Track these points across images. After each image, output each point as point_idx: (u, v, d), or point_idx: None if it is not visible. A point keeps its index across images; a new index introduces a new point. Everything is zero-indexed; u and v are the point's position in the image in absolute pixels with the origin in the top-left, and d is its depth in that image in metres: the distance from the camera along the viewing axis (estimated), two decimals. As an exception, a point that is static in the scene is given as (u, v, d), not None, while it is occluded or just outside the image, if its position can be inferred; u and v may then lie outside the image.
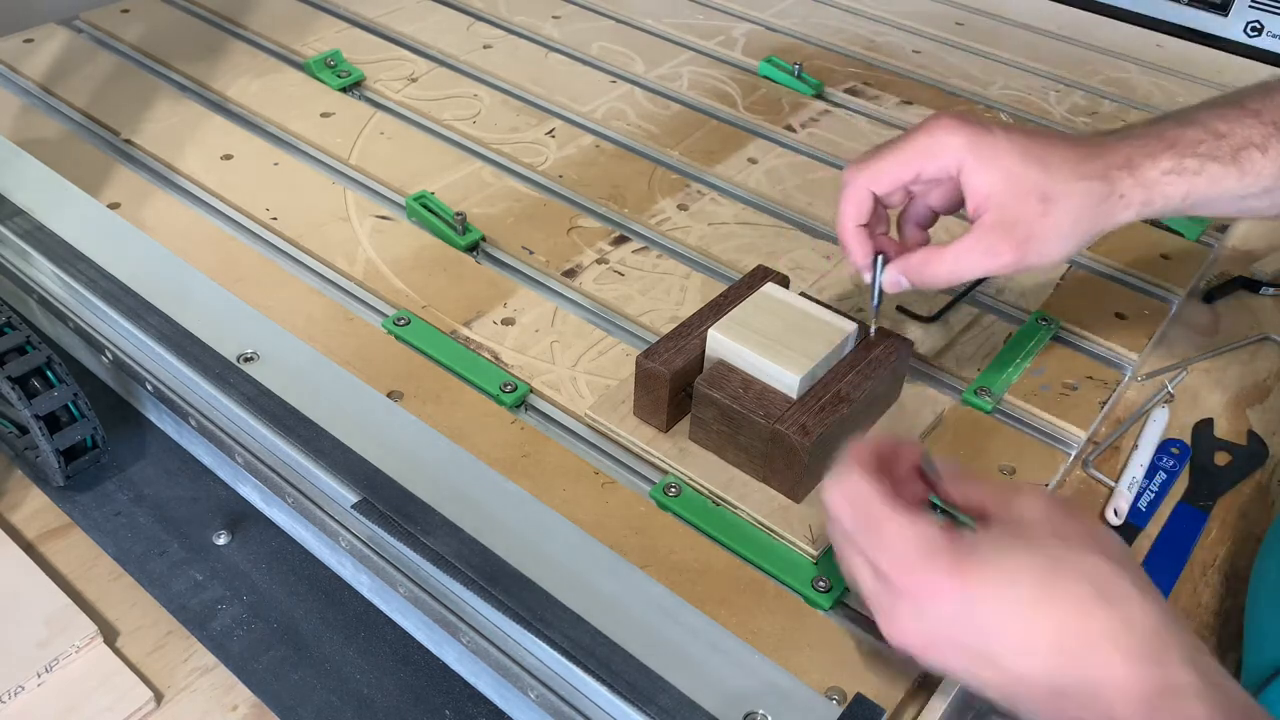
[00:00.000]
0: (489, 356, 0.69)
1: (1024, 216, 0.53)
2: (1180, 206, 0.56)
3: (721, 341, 0.61)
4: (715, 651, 0.49)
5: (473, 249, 0.79)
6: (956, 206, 0.58)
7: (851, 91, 1.01)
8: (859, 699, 0.49)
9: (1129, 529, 0.63)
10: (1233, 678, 0.39)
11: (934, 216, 0.60)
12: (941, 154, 0.54)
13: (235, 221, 0.81)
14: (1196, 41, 1.16)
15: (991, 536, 0.43)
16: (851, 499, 0.45)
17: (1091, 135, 0.57)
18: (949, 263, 0.55)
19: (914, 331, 0.72)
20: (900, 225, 0.61)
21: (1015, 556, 0.41)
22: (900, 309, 0.74)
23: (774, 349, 0.60)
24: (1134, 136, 0.56)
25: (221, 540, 0.60)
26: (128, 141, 0.88)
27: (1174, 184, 0.55)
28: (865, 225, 0.58)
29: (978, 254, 0.55)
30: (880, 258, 0.58)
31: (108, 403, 0.68)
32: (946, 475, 0.47)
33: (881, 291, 0.59)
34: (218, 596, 0.57)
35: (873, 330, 0.62)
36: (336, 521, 0.56)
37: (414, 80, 0.98)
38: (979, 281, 0.77)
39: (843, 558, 0.46)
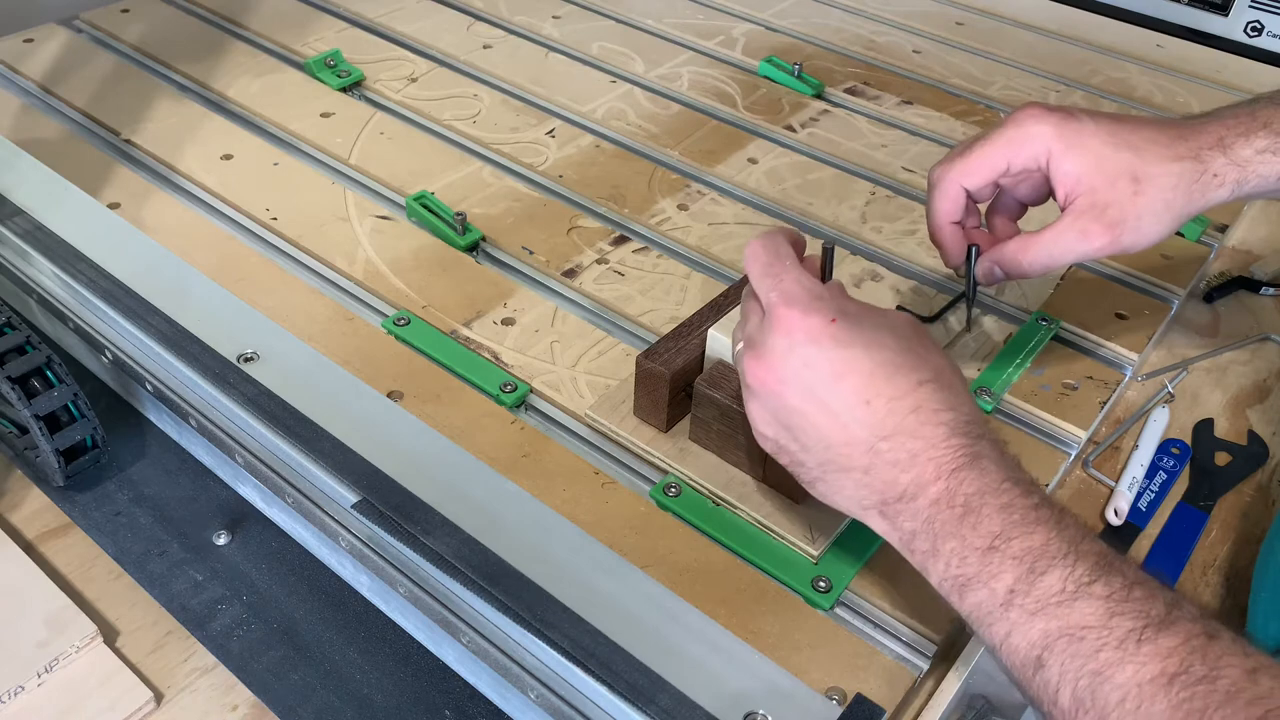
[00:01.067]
0: (489, 356, 0.69)
1: (1116, 199, 0.53)
2: (1275, 186, 0.55)
3: (722, 341, 0.61)
4: (715, 651, 0.49)
5: (473, 249, 0.79)
6: (1045, 197, 0.58)
7: (851, 91, 1.01)
8: (859, 699, 0.49)
9: (1129, 529, 0.63)
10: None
11: (1023, 209, 0.60)
12: (1029, 143, 0.54)
13: (235, 221, 0.81)
14: (1196, 41, 1.16)
15: (873, 312, 0.49)
16: (769, 247, 0.50)
17: (1180, 118, 0.57)
18: (1044, 248, 0.55)
19: (914, 331, 0.72)
20: (989, 219, 0.61)
21: (880, 330, 0.47)
22: (900, 309, 0.74)
23: (774, 349, 0.60)
24: (1226, 117, 0.55)
25: (221, 540, 0.60)
26: (128, 141, 0.88)
27: (1269, 163, 0.54)
28: (957, 222, 0.58)
29: (1071, 238, 0.54)
30: (974, 249, 0.58)
31: (108, 403, 0.68)
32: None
33: (976, 285, 0.58)
34: (218, 596, 0.57)
35: (970, 326, 0.61)
36: (336, 521, 0.56)
37: (414, 80, 0.98)
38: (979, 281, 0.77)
39: (744, 307, 0.51)
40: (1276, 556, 0.54)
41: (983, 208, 0.62)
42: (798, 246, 0.52)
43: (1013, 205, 0.59)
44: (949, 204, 0.57)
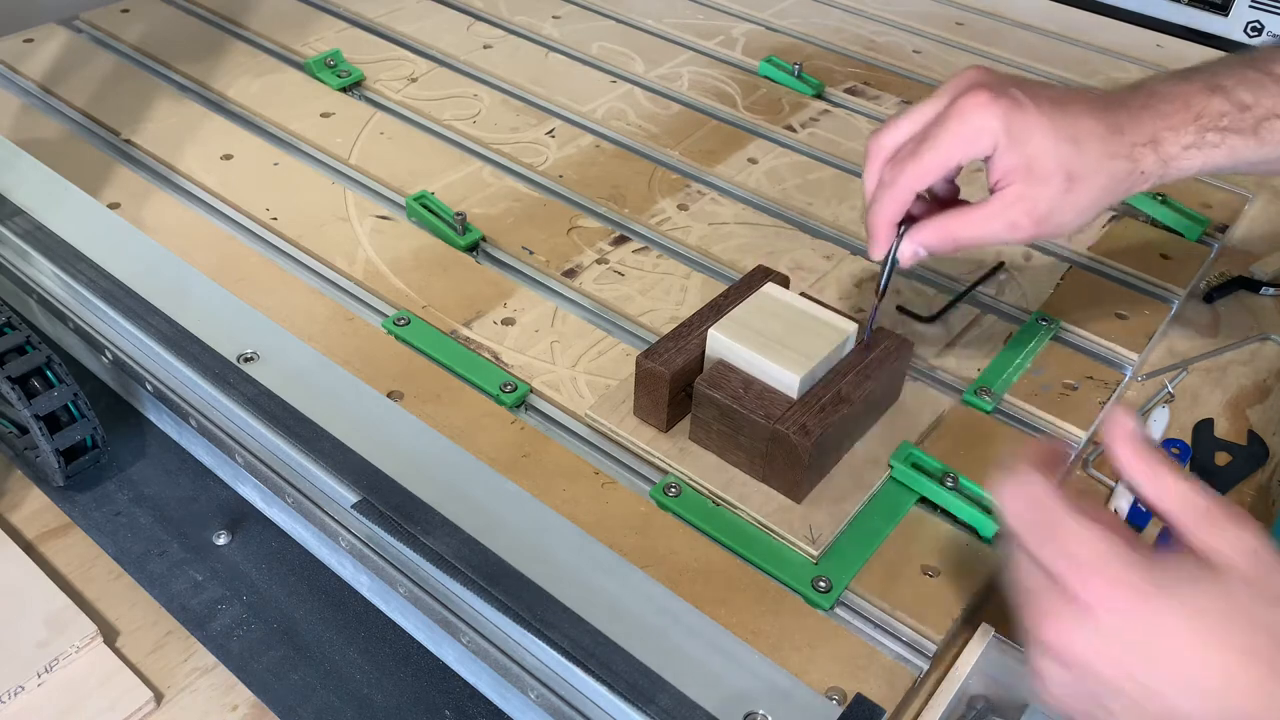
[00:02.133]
0: (489, 356, 0.69)
1: (1047, 196, 0.54)
2: (1194, 175, 0.57)
3: (721, 341, 0.61)
4: (715, 651, 0.49)
5: (473, 249, 0.79)
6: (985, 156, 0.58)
7: (851, 91, 1.01)
8: (859, 699, 0.49)
9: (1129, 529, 0.63)
10: None
11: (959, 169, 0.60)
12: (979, 139, 0.54)
13: (235, 221, 0.81)
14: (1196, 41, 1.16)
15: (1187, 564, 0.39)
16: (1028, 498, 0.42)
17: (1120, 94, 0.57)
18: (973, 230, 0.56)
19: (914, 331, 0.72)
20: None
21: (1207, 590, 0.38)
22: (900, 309, 0.74)
23: (774, 349, 0.60)
24: (1161, 101, 0.56)
25: (221, 540, 0.60)
26: (128, 141, 0.88)
27: (1193, 158, 0.55)
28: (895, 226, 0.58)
29: (999, 226, 0.55)
30: (901, 228, 0.58)
31: (108, 403, 0.68)
32: (1141, 467, 0.43)
33: (895, 264, 0.58)
34: (218, 596, 0.57)
35: (882, 298, 0.61)
36: (336, 521, 0.56)
37: (414, 80, 0.98)
38: (979, 281, 0.77)
39: (1012, 561, 0.43)
40: None
41: None
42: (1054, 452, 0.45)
43: (953, 169, 0.59)
44: (897, 207, 0.57)
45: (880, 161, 0.58)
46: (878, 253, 0.58)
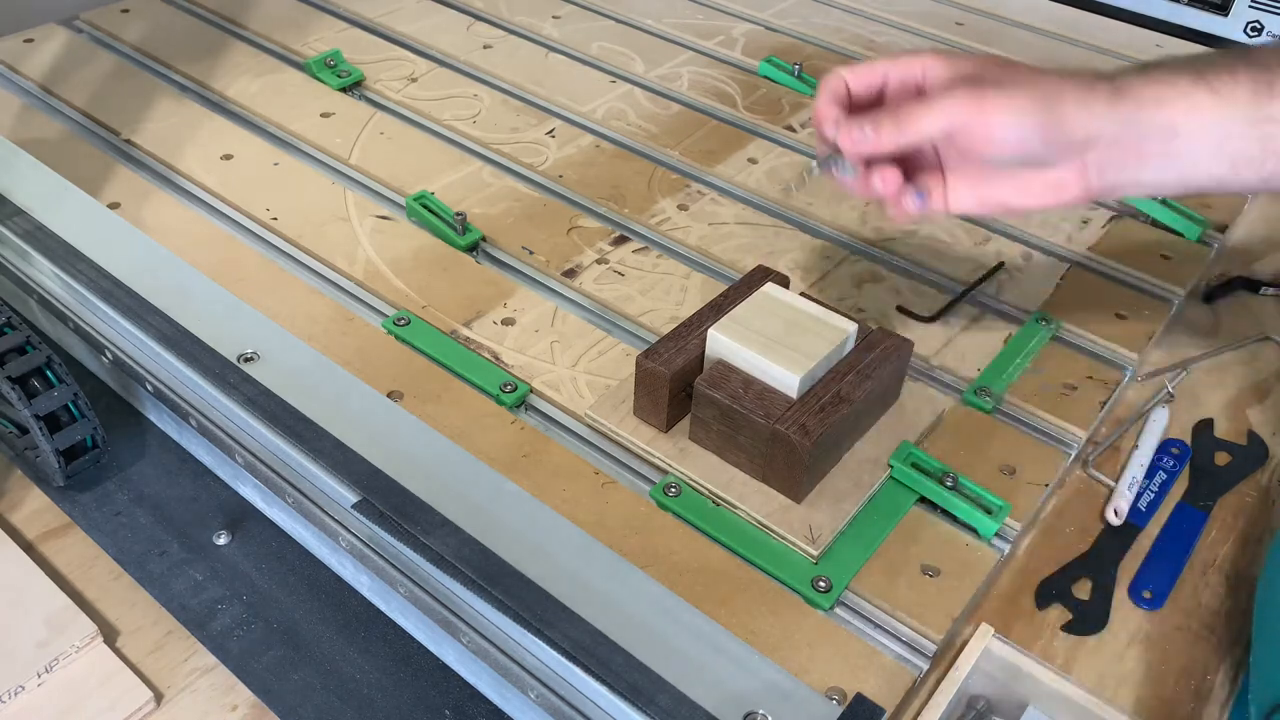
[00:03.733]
0: (489, 356, 0.69)
1: (985, 73, 0.55)
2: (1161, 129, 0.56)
3: (721, 341, 0.61)
4: (715, 651, 0.49)
5: (473, 249, 0.79)
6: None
7: (851, 91, 1.01)
8: (859, 699, 0.49)
9: (1129, 529, 0.63)
10: None
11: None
12: (907, 55, 0.57)
13: (235, 221, 0.81)
14: (1196, 41, 1.16)
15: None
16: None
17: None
18: (914, 103, 0.56)
19: (914, 331, 0.72)
20: None
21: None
22: (900, 309, 0.74)
23: (774, 349, 0.60)
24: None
25: (221, 540, 0.60)
26: (128, 141, 0.88)
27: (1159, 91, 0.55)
28: (839, 106, 0.59)
29: (938, 95, 0.55)
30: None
31: (108, 403, 0.68)
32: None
33: (828, 162, 0.58)
34: (218, 596, 0.57)
35: (796, 187, 0.61)
36: (336, 521, 0.56)
37: (414, 80, 0.98)
38: (979, 281, 0.77)
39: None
40: (1274, 609, 0.54)
41: None
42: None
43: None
44: (826, 87, 0.59)
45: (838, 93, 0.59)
46: (821, 130, 0.59)
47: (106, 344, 0.65)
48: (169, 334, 0.64)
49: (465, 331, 0.70)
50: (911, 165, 0.59)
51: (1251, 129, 0.54)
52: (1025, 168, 0.56)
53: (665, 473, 0.62)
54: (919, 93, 0.57)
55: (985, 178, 0.58)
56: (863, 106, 0.59)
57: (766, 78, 1.02)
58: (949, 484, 0.60)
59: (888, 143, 0.56)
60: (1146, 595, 0.60)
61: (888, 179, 0.58)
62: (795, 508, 0.59)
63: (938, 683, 0.53)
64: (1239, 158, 0.55)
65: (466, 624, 0.51)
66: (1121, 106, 0.54)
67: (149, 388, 0.64)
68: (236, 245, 0.77)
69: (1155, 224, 0.85)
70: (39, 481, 0.63)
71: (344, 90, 0.96)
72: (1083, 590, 0.60)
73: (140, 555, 0.59)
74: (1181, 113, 0.54)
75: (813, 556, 0.57)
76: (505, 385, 0.66)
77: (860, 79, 0.59)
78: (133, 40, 1.01)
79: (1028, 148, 0.55)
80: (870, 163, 0.58)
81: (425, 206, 0.81)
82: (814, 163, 0.61)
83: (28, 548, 0.59)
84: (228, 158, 0.86)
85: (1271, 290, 0.82)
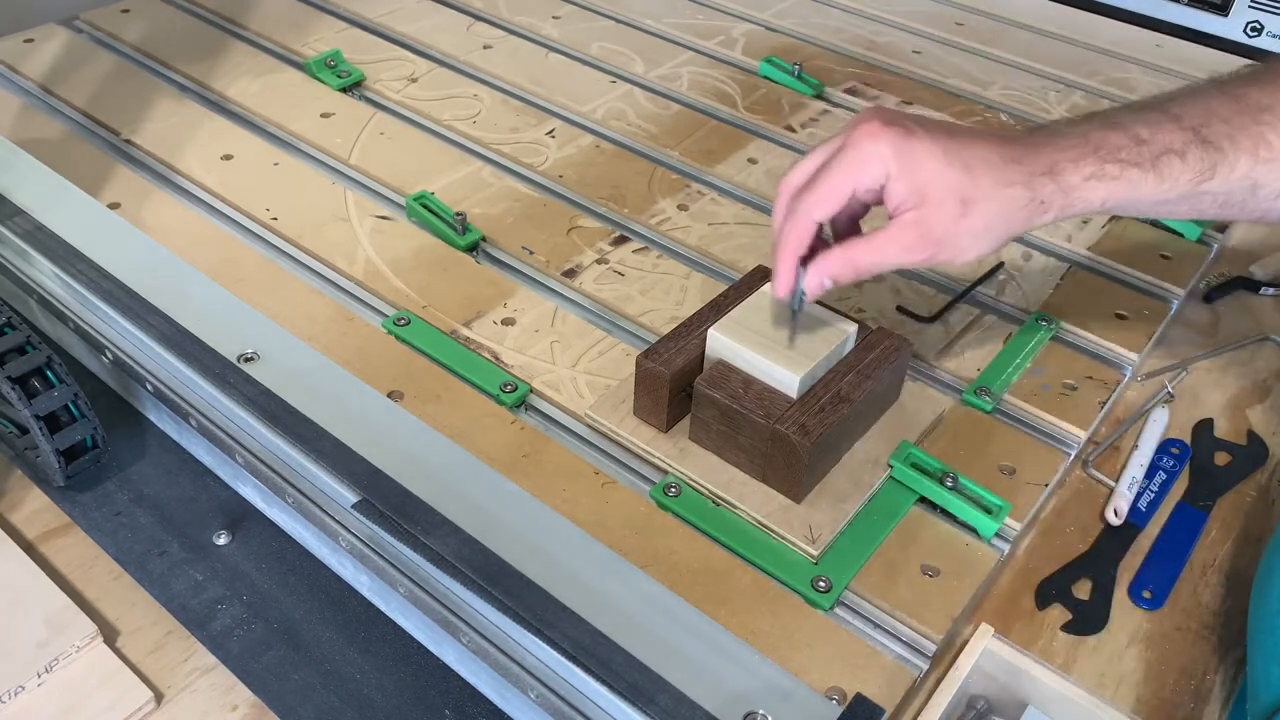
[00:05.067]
0: (489, 356, 0.69)
1: (940, 219, 0.55)
2: (1098, 210, 0.57)
3: (721, 341, 0.61)
4: (715, 651, 0.49)
5: (473, 249, 0.79)
6: (880, 201, 0.58)
7: (851, 91, 1.01)
8: (859, 699, 0.49)
9: (1129, 529, 0.63)
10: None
11: (865, 209, 0.60)
12: (870, 166, 0.55)
13: (235, 221, 0.81)
14: (1196, 41, 1.16)
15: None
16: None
17: (1019, 133, 0.57)
18: (871, 254, 0.56)
19: (914, 331, 0.72)
20: (833, 223, 0.61)
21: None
22: (900, 309, 0.74)
23: (774, 349, 0.60)
24: (1060, 137, 0.56)
25: (221, 540, 0.60)
26: (128, 141, 0.88)
27: (1094, 189, 0.55)
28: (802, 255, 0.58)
29: (894, 250, 0.56)
30: (799, 268, 0.58)
31: (108, 403, 0.68)
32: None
33: (802, 299, 0.58)
34: (218, 596, 0.57)
35: (793, 341, 0.61)
36: (336, 521, 0.56)
37: (414, 80, 0.98)
38: (979, 281, 0.77)
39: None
40: (1271, 604, 0.54)
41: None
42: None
43: (857, 209, 0.60)
44: (800, 237, 0.58)
45: (786, 199, 0.58)
46: (782, 288, 0.58)
47: (106, 344, 0.65)
48: (169, 334, 0.64)
49: (465, 331, 0.70)
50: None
51: (1186, 202, 0.57)
52: None
53: (665, 473, 0.62)
54: (879, 199, 0.58)
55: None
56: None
57: (766, 78, 1.02)
58: (949, 484, 0.60)
59: (847, 283, 0.58)
60: (1146, 595, 0.60)
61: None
62: (795, 508, 0.59)
63: (938, 683, 0.53)
64: (1175, 212, 0.58)
65: (466, 624, 0.51)
66: (1053, 206, 0.56)
67: (149, 388, 0.64)
68: (236, 245, 0.77)
69: (1155, 224, 0.85)
70: (39, 481, 0.63)
71: (344, 90, 0.96)
72: (1083, 590, 0.60)
73: (140, 555, 0.59)
74: (1121, 192, 0.56)
75: (813, 556, 0.57)
76: (505, 385, 0.66)
77: (829, 211, 0.58)
78: (133, 40, 1.01)
79: (987, 255, 0.58)
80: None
81: (425, 206, 0.81)
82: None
83: (28, 548, 0.59)
84: (228, 158, 0.86)
85: (1271, 290, 0.82)
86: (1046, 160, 0.55)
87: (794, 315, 0.61)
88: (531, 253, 0.78)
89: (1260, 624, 0.53)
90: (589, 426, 0.65)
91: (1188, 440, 0.69)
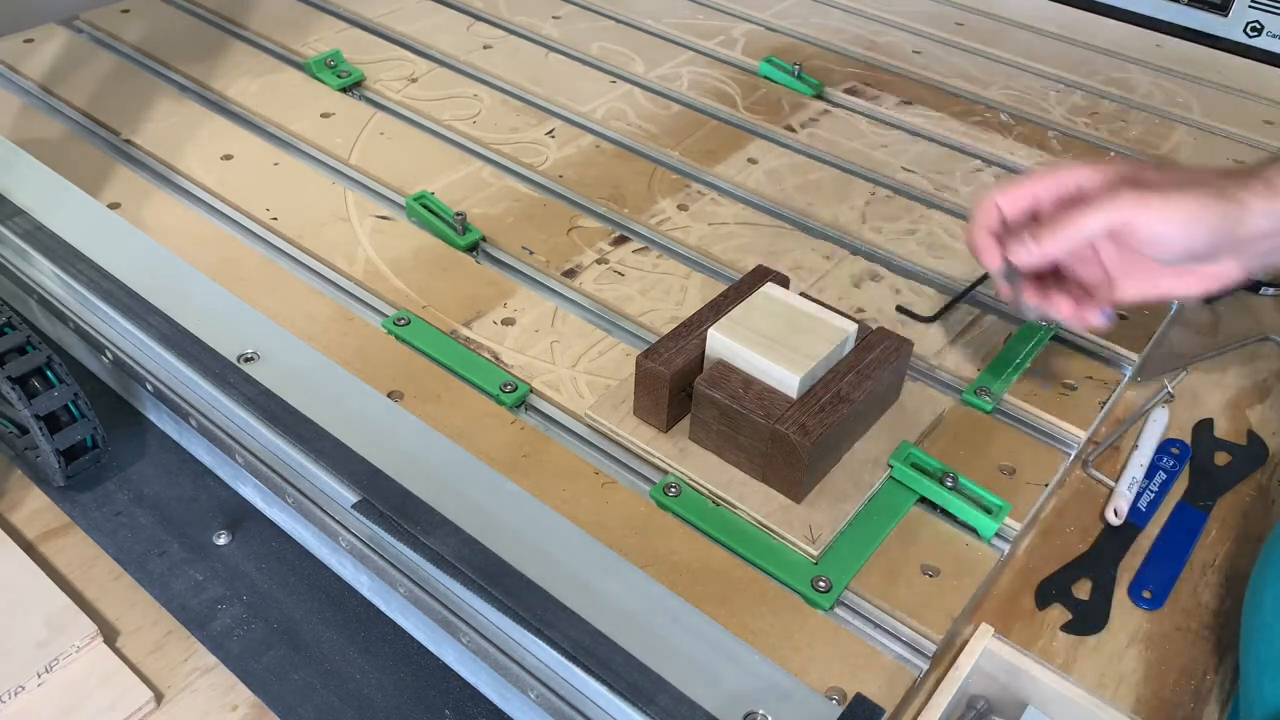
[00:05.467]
0: (489, 356, 0.69)
1: (1142, 175, 0.56)
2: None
3: (721, 341, 0.61)
4: (715, 651, 0.49)
5: (473, 249, 0.79)
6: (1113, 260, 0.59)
7: (851, 91, 1.01)
8: (859, 699, 0.49)
9: (1129, 529, 0.63)
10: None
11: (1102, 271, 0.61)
12: (1060, 170, 0.57)
13: (235, 221, 0.81)
14: (1196, 41, 1.16)
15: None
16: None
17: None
18: (1078, 211, 0.56)
19: (914, 331, 0.72)
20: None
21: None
22: (900, 309, 0.74)
23: (774, 349, 0.60)
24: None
25: (221, 540, 0.60)
26: (128, 141, 0.88)
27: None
28: (994, 236, 0.59)
29: (1098, 197, 0.56)
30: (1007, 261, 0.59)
31: (108, 403, 0.68)
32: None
33: (1012, 268, 0.59)
34: (218, 596, 0.57)
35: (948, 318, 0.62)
36: (336, 521, 0.56)
37: (414, 80, 0.98)
38: (979, 281, 0.77)
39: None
40: (1264, 613, 0.54)
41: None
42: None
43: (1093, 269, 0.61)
44: (981, 215, 0.60)
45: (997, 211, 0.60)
46: (985, 261, 0.59)
47: (106, 344, 0.65)
48: (169, 334, 0.64)
49: (465, 331, 0.70)
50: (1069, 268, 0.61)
51: None
52: (1188, 262, 0.57)
53: (665, 473, 0.62)
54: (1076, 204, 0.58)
55: (1148, 273, 0.59)
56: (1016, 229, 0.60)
57: (766, 78, 1.02)
58: (949, 484, 0.60)
59: (1051, 250, 0.57)
60: (1146, 595, 0.60)
61: (1063, 307, 0.59)
62: (795, 508, 0.59)
63: (938, 683, 0.53)
64: None
65: (466, 624, 0.51)
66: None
67: (149, 388, 0.64)
68: (236, 245, 0.77)
69: (1155, 224, 0.85)
70: (39, 481, 0.63)
71: (344, 90, 0.96)
72: (1083, 590, 0.60)
73: (140, 555, 0.59)
74: None
75: (813, 556, 0.57)
76: (505, 385, 0.66)
77: (1012, 202, 0.59)
78: (133, 40, 1.01)
79: (1194, 248, 0.56)
80: (1039, 279, 0.60)
81: (425, 206, 0.81)
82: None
83: (28, 548, 0.59)
84: (228, 158, 0.86)
85: (1271, 290, 0.82)
86: (1262, 175, 0.56)
87: (1012, 284, 0.60)
88: (531, 253, 0.78)
89: (1254, 633, 0.53)
90: (589, 426, 0.65)
91: (1188, 440, 0.70)
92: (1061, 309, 0.59)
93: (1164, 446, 0.69)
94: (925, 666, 0.54)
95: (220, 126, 0.90)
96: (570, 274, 0.76)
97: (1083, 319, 0.60)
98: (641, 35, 1.09)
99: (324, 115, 0.92)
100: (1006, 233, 0.59)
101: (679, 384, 0.62)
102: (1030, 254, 0.57)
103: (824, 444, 0.58)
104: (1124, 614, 0.59)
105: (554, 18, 1.10)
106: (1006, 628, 0.57)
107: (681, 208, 0.84)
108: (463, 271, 0.76)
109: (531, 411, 0.67)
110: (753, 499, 0.59)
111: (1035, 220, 0.59)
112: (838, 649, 0.53)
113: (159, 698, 0.52)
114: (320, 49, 1.00)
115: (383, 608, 0.57)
